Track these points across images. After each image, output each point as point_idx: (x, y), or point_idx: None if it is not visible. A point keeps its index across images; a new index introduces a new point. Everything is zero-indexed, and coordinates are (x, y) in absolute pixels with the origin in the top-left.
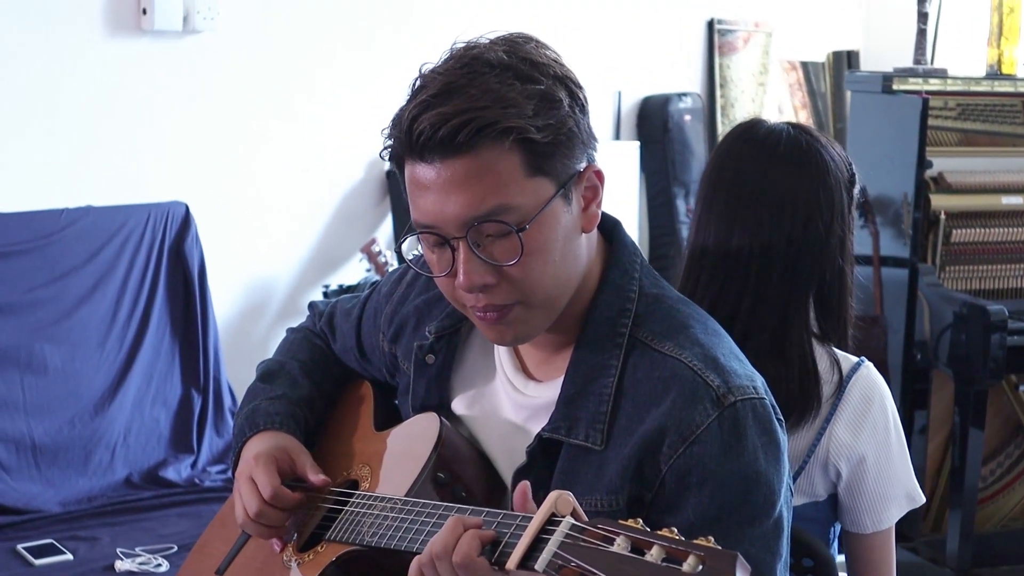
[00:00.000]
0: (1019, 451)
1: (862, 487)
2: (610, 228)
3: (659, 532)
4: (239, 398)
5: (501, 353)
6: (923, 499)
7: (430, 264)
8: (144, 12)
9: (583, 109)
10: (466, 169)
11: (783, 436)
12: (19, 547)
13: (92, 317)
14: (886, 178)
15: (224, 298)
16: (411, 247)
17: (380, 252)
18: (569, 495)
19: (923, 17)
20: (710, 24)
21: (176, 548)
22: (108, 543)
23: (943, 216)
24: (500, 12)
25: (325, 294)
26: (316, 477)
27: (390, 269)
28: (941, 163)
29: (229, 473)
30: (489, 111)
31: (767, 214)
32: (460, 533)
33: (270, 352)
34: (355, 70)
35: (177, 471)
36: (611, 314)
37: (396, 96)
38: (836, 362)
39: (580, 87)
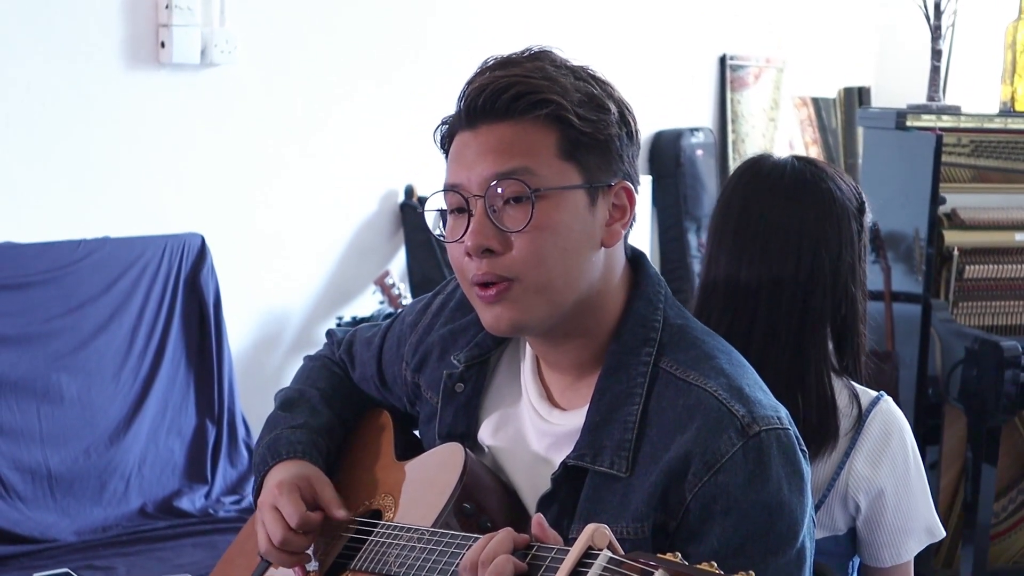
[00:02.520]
0: None
1: (881, 520)
2: (637, 259)
3: (698, 566)
4: (253, 429)
5: (527, 380)
6: (943, 533)
7: (447, 235)
8: (163, 45)
9: (631, 136)
10: (502, 134)
11: (807, 467)
12: None
13: (108, 347)
14: (899, 214)
15: (238, 329)
16: (435, 224)
17: (394, 284)
18: (606, 528)
19: (936, 54)
20: (722, 59)
21: None
22: (123, 573)
23: (956, 252)
24: (515, 47)
25: (339, 326)
26: (338, 512)
27: (404, 301)
28: (954, 199)
29: (250, 501)
30: (535, 81)
31: (774, 247)
32: (509, 546)
33: (284, 383)
34: (370, 103)
35: (191, 501)
36: (635, 342)
37: (411, 128)
38: (855, 396)
39: (634, 118)
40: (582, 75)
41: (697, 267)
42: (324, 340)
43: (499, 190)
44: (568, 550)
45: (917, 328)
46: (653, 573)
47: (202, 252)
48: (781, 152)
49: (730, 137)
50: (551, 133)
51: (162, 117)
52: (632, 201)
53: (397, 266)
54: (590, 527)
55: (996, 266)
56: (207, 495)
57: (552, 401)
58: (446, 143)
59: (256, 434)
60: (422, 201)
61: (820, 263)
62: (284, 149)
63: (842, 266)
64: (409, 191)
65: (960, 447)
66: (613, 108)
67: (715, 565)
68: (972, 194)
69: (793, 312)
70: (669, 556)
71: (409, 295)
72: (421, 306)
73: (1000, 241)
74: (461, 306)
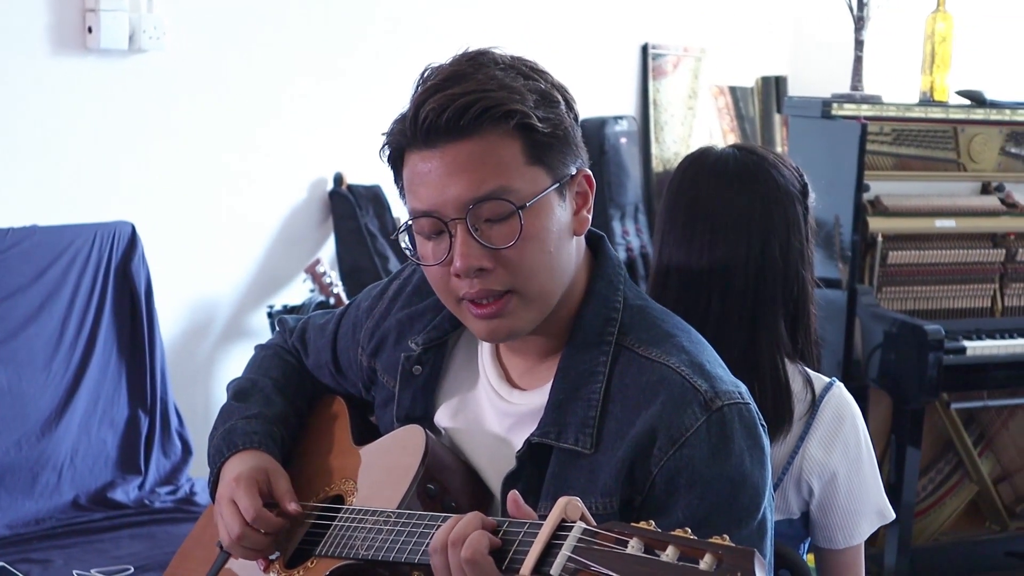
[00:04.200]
0: (949, 467)
1: (834, 503)
2: (596, 241)
3: (673, 533)
4: (185, 419)
5: (485, 363)
6: (893, 515)
7: (423, 257)
8: (89, 31)
9: (576, 119)
10: (469, 152)
11: (767, 441)
12: None
13: (38, 338)
14: (821, 201)
15: (169, 318)
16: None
17: (325, 272)
18: (578, 501)
19: (859, 44)
20: (644, 48)
21: (132, 569)
22: (62, 565)
23: (880, 238)
24: (439, 36)
25: (269, 315)
26: (291, 506)
27: (335, 290)
28: (877, 187)
29: (186, 491)
30: (494, 94)
31: (723, 235)
32: (477, 526)
33: (215, 373)
34: (299, 90)
35: (125, 492)
36: (597, 322)
37: (340, 116)
38: (809, 381)
39: (573, 98)
40: (525, 71)
41: (623, 254)
42: (255, 328)
43: (481, 212)
44: (541, 524)
45: (837, 313)
46: (628, 542)
47: (132, 241)
48: (699, 141)
49: (652, 125)
50: (516, 142)
51: (90, 104)
52: (592, 186)
53: (327, 254)
54: (563, 500)
55: (918, 252)
56: (141, 486)
57: (512, 382)
58: (396, 160)
59: (189, 424)
60: (352, 189)
61: (770, 248)
62: (213, 136)
63: (791, 250)
64: (338, 179)
65: (884, 429)
66: (559, 97)
67: (689, 531)
68: (894, 181)
69: (746, 298)
70: (643, 524)
71: (340, 283)
72: (377, 292)
73: (921, 227)
74: (418, 291)
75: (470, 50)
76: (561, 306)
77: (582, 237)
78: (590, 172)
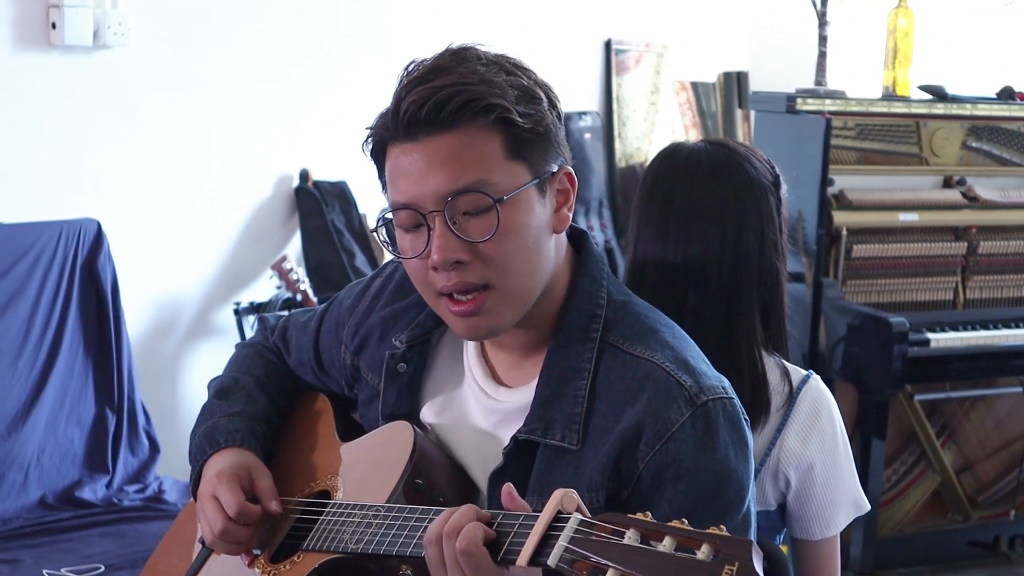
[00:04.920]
0: (912, 458)
1: (811, 494)
2: (578, 238)
3: (669, 524)
4: (152, 417)
5: (470, 360)
6: (868, 506)
7: (402, 250)
8: (53, 26)
9: (559, 118)
10: (448, 145)
11: (750, 435)
12: None
13: (4, 336)
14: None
15: (135, 316)
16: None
17: (291, 269)
18: (573, 493)
19: (823, 40)
20: (607, 44)
21: (103, 568)
22: (31, 564)
23: (845, 232)
24: (402, 35)
25: (236, 312)
26: (271, 504)
27: (302, 286)
28: (842, 181)
29: (155, 490)
30: (475, 87)
31: (698, 229)
32: (472, 518)
33: (181, 371)
34: (265, 87)
35: (93, 491)
36: (582, 319)
37: (306, 112)
38: (786, 373)
39: (557, 97)
40: (508, 68)
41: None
42: (221, 326)
43: (459, 205)
44: (536, 516)
45: (802, 306)
46: (625, 532)
47: (98, 238)
48: (661, 136)
49: (616, 121)
50: (496, 136)
51: (54, 100)
52: (573, 183)
53: (293, 250)
54: (558, 492)
55: (881, 245)
56: (109, 484)
57: (497, 379)
58: (378, 154)
59: (156, 422)
60: (317, 185)
61: (745, 241)
62: (179, 133)
63: (766, 243)
64: (304, 175)
65: (849, 421)
66: (542, 95)
67: (685, 522)
68: (858, 176)
69: (721, 291)
70: (639, 515)
71: (307, 279)
72: (359, 289)
73: (885, 221)
74: (400, 288)
75: (453, 46)
76: (544, 303)
77: (563, 234)
78: (572, 170)
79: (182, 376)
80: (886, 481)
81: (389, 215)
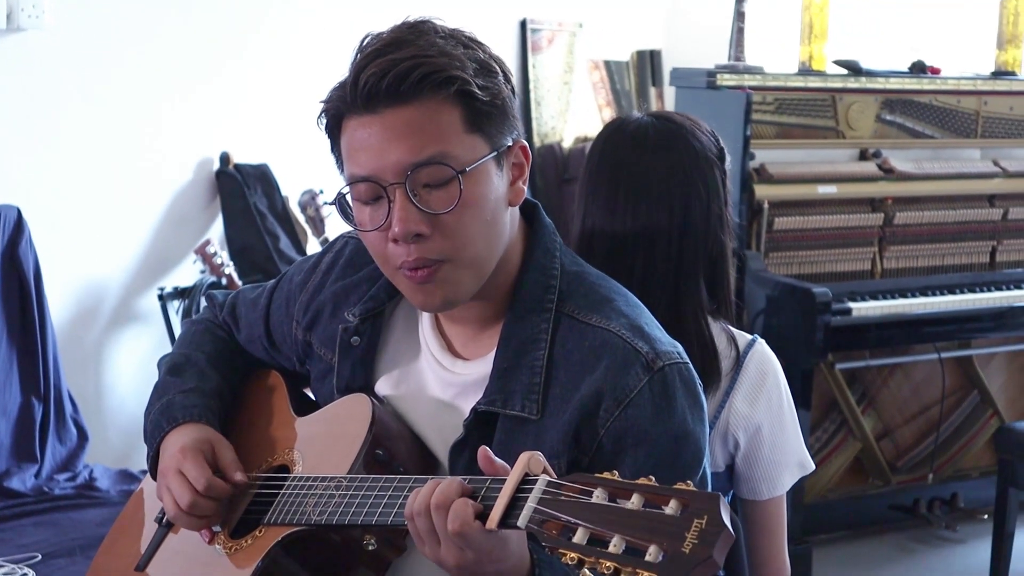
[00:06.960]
0: (834, 426)
1: (759, 455)
2: (531, 210)
3: (636, 482)
4: (79, 404)
5: (426, 333)
6: (813, 466)
7: (360, 223)
8: None
9: (513, 92)
10: (408, 118)
11: (704, 399)
12: None
13: None
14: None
15: (57, 303)
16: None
17: (215, 253)
18: (539, 455)
19: (740, 16)
20: (523, 24)
21: (40, 556)
22: None
23: (766, 205)
24: (325, 15)
25: (160, 297)
26: (236, 475)
27: (226, 270)
28: (762, 155)
29: (85, 477)
30: (436, 60)
31: (644, 202)
32: (459, 492)
33: (105, 357)
34: (184, 68)
35: (22, 481)
36: (537, 290)
37: (226, 94)
38: (733, 339)
39: (511, 73)
40: (465, 41)
41: None
42: (145, 311)
43: (420, 177)
44: (504, 479)
45: None
46: (593, 492)
47: (19, 224)
48: (576, 115)
49: (532, 101)
50: (456, 109)
51: None
52: (528, 157)
53: (216, 234)
54: (525, 455)
55: (802, 217)
56: (38, 474)
57: (454, 352)
58: (333, 128)
59: (83, 409)
60: (239, 168)
61: (691, 213)
62: (96, 117)
63: (711, 215)
64: (224, 158)
65: None
66: (498, 68)
67: (652, 479)
68: (777, 150)
69: (669, 261)
70: (606, 475)
71: (231, 263)
72: (309, 265)
73: (805, 194)
74: (351, 263)
75: (410, 19)
76: (499, 275)
77: (517, 208)
78: (526, 144)
79: (106, 363)
80: (809, 449)
81: (346, 189)
